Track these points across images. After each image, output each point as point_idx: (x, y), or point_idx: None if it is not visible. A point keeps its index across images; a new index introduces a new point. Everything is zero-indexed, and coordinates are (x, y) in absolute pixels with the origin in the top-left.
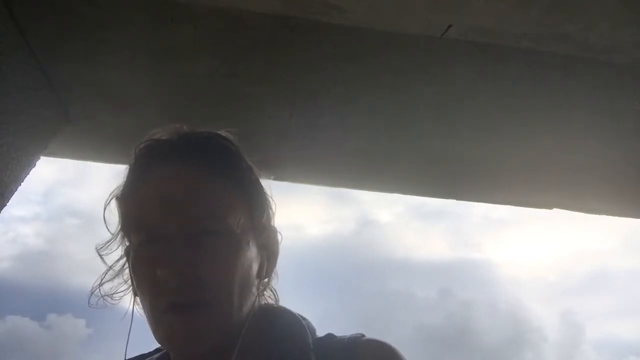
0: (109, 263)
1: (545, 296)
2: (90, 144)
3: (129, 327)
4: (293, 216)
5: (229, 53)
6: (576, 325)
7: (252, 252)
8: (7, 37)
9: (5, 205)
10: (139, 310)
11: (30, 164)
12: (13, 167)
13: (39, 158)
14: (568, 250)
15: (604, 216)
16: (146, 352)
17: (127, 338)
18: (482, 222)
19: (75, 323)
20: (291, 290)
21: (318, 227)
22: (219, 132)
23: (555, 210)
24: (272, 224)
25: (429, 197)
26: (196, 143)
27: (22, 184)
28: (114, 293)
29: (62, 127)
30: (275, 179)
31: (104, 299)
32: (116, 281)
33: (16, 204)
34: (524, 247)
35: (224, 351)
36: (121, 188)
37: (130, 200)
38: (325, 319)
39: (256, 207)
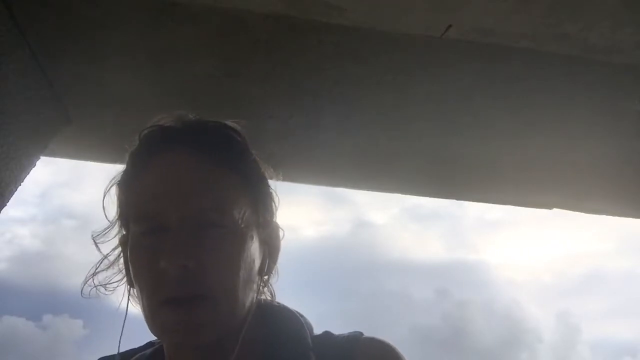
0: (104, 252)
1: (541, 297)
2: (91, 144)
3: (124, 318)
4: (288, 218)
5: (229, 53)
6: (572, 325)
7: (255, 248)
8: (7, 37)
9: (5, 205)
10: (133, 302)
11: (30, 164)
12: (13, 167)
13: (39, 158)
14: (564, 252)
15: (604, 216)
16: (137, 346)
17: (121, 330)
18: (477, 223)
19: (71, 323)
20: (286, 292)
21: (313, 228)
22: (227, 122)
23: (555, 210)
24: (275, 219)
25: (429, 197)
26: (203, 132)
27: (22, 184)
28: (107, 283)
29: (62, 127)
30: (276, 179)
31: (97, 289)
32: (110, 271)
33: (13, 206)
34: (520, 249)
35: (223, 347)
36: (122, 174)
37: (132, 187)
38: (320, 320)
39: (261, 202)
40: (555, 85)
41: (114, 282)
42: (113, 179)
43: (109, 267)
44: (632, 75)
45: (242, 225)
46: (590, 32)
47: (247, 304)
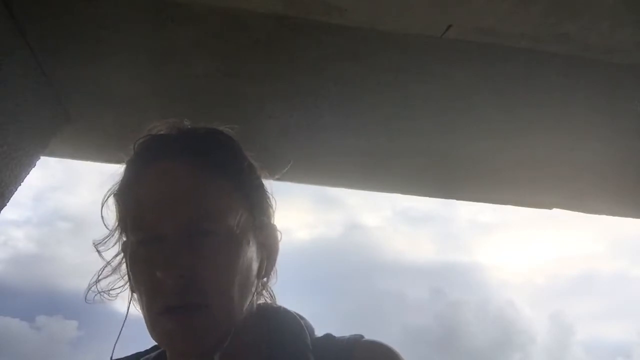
0: (106, 258)
1: (535, 299)
2: (90, 144)
3: (123, 322)
4: (280, 220)
5: (229, 53)
6: (566, 327)
7: (252, 252)
8: (7, 37)
9: (5, 205)
10: (136, 307)
11: (30, 164)
12: (13, 167)
13: (39, 158)
14: (557, 254)
15: (602, 216)
16: (142, 350)
17: (118, 334)
18: (470, 226)
19: (65, 324)
20: (280, 293)
21: (305, 231)
22: (219, 128)
23: (555, 210)
24: (272, 222)
25: (429, 197)
26: (196, 140)
27: (22, 184)
28: (111, 289)
29: (62, 127)
30: (273, 179)
31: (101, 295)
32: (113, 277)
33: (8, 208)
34: (513, 251)
35: (222, 351)
36: (119, 184)
37: (128, 198)
38: (315, 320)
39: (256, 206)
40: (555, 85)
41: (117, 288)
42: (110, 188)
43: (111, 274)
44: (632, 75)
45: (238, 231)
46: (590, 32)
47: (245, 307)
